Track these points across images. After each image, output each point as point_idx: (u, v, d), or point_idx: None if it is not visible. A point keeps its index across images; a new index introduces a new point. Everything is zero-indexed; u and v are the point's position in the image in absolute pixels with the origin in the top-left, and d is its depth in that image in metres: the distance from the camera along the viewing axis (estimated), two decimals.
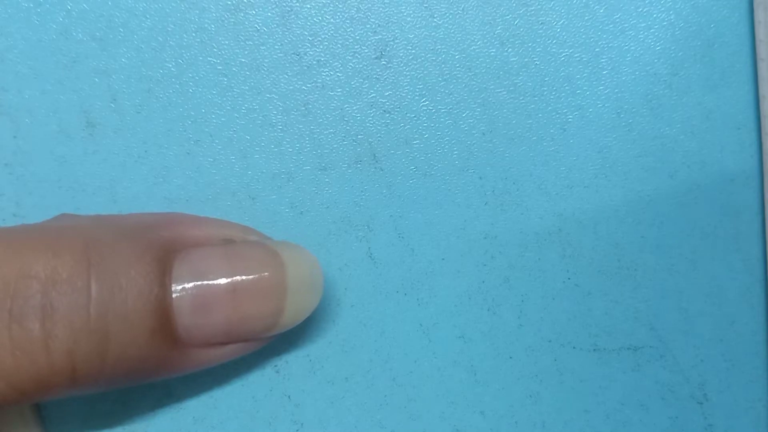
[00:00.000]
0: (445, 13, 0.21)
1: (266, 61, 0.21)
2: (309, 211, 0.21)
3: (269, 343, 0.20)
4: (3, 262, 0.15)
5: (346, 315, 0.21)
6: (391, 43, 0.21)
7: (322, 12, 0.21)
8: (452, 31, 0.21)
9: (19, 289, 0.15)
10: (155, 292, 0.16)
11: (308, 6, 0.21)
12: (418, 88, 0.21)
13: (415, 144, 0.21)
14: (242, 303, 0.17)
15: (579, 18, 0.21)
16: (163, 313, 0.16)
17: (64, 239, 0.16)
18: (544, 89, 0.21)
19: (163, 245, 0.17)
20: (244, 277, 0.17)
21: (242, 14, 0.21)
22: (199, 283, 0.17)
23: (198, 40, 0.20)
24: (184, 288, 0.17)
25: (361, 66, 0.21)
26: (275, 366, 0.20)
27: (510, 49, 0.21)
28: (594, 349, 0.21)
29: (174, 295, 0.16)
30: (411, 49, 0.21)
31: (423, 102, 0.21)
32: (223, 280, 0.17)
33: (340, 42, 0.21)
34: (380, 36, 0.21)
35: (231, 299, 0.17)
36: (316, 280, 0.18)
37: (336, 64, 0.21)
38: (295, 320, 0.18)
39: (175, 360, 0.17)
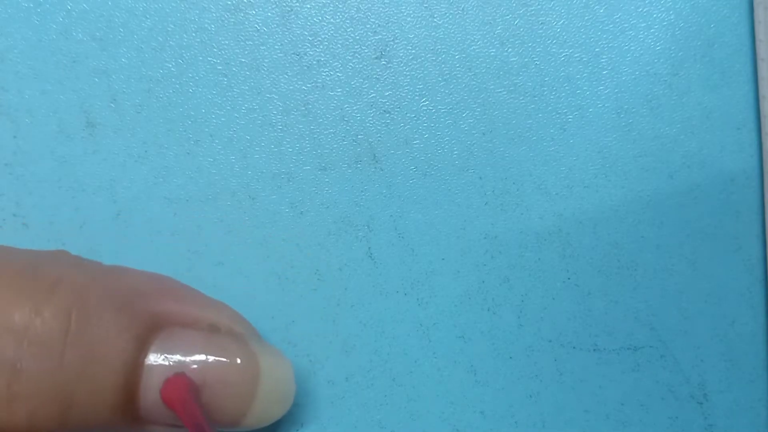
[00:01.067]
0: (445, 13, 0.21)
1: (266, 61, 0.21)
2: (309, 211, 0.21)
3: (268, 336, 0.20)
4: None
5: (346, 315, 0.21)
6: (391, 43, 0.21)
7: (322, 12, 0.21)
8: (452, 31, 0.21)
9: None
10: (126, 371, 0.16)
11: (308, 6, 0.21)
12: (418, 88, 0.21)
13: (415, 144, 0.21)
14: (208, 396, 0.17)
15: (579, 18, 0.21)
16: (130, 391, 0.16)
17: (52, 296, 0.16)
18: (544, 89, 0.21)
19: (147, 321, 0.17)
20: (215, 373, 0.17)
21: (242, 14, 0.21)
22: (171, 367, 0.17)
23: (198, 40, 0.20)
24: (155, 370, 0.17)
25: (361, 66, 0.21)
26: None
27: (510, 49, 0.21)
28: (594, 349, 0.21)
29: (144, 376, 0.16)
30: (411, 49, 0.21)
31: (423, 102, 0.21)
32: (195, 371, 0.17)
33: (340, 42, 0.21)
34: (380, 36, 0.21)
35: (199, 390, 0.17)
36: (287, 393, 0.18)
37: (336, 64, 0.21)
38: (257, 425, 0.18)
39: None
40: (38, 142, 0.20)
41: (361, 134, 0.21)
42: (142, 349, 0.16)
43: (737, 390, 0.21)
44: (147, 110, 0.20)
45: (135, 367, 0.16)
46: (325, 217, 0.21)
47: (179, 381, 0.16)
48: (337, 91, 0.21)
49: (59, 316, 0.15)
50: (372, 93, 0.21)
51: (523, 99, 0.21)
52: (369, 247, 0.21)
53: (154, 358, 0.17)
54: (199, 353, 0.17)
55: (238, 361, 0.17)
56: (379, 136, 0.21)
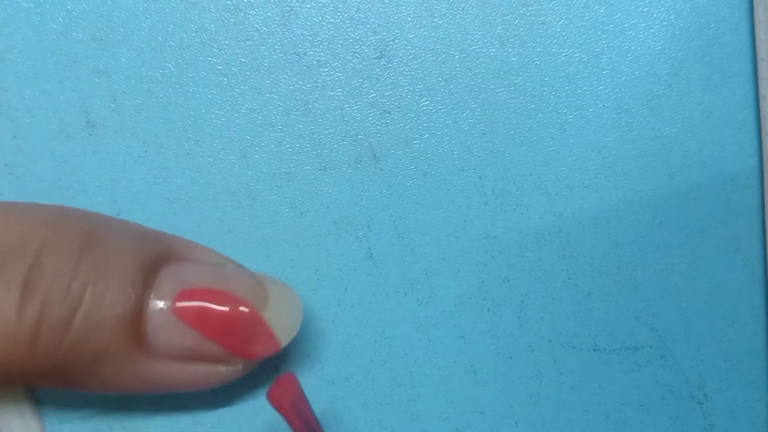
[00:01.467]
0: (445, 13, 0.21)
1: (266, 61, 0.21)
2: (309, 211, 0.21)
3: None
4: (10, 227, 0.16)
5: (346, 315, 0.21)
6: (391, 43, 0.21)
7: (322, 12, 0.21)
8: (452, 31, 0.21)
9: (15, 248, 0.16)
10: (136, 290, 0.17)
11: (308, 6, 0.21)
12: (418, 88, 0.21)
13: (415, 144, 0.21)
14: (216, 326, 0.17)
15: (579, 18, 0.21)
16: (136, 311, 0.17)
17: (69, 217, 0.17)
18: (544, 89, 0.21)
19: (158, 251, 0.18)
20: (224, 300, 0.17)
21: (242, 14, 0.21)
22: (179, 297, 0.17)
23: (198, 40, 0.20)
24: (163, 294, 0.17)
25: (361, 66, 0.21)
26: (275, 366, 0.20)
27: (510, 49, 0.21)
28: (594, 349, 0.21)
29: (151, 300, 0.17)
30: (411, 49, 0.21)
31: (423, 102, 0.21)
32: (203, 302, 0.17)
33: (340, 42, 0.21)
34: (380, 36, 0.21)
35: (205, 318, 0.17)
36: (294, 321, 0.18)
37: (336, 64, 0.21)
38: (264, 354, 0.18)
39: (137, 365, 0.17)
40: (38, 142, 0.20)
41: (361, 134, 0.21)
42: (153, 270, 0.17)
43: (737, 390, 0.21)
44: (147, 110, 0.20)
45: (144, 289, 0.17)
46: (325, 217, 0.21)
47: (288, 381, 0.17)
48: (337, 91, 0.21)
49: (78, 232, 0.17)
50: (372, 93, 0.21)
51: (523, 99, 0.21)
52: (369, 247, 0.21)
53: (161, 284, 0.17)
54: (205, 282, 0.17)
55: (246, 289, 0.18)
56: (379, 136, 0.21)
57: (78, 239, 0.16)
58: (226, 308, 0.17)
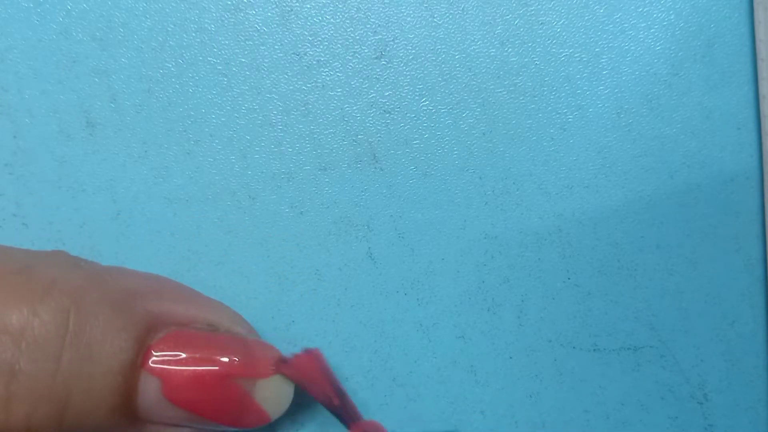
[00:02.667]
0: (445, 13, 0.21)
1: (266, 61, 0.21)
2: (309, 211, 0.21)
3: (268, 336, 0.20)
4: None
5: (346, 315, 0.21)
6: (391, 43, 0.21)
7: (322, 12, 0.21)
8: (452, 31, 0.21)
9: None
10: (124, 373, 0.16)
11: (308, 6, 0.21)
12: (418, 88, 0.21)
13: (415, 144, 0.21)
14: (207, 398, 0.17)
15: (579, 18, 0.21)
16: (128, 393, 0.16)
17: (49, 296, 0.16)
18: (544, 89, 0.21)
19: (145, 322, 0.17)
20: (216, 373, 0.17)
21: (242, 14, 0.21)
22: (170, 368, 0.17)
23: (198, 40, 0.20)
24: (154, 370, 0.17)
25: (361, 66, 0.21)
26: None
27: (510, 49, 0.21)
28: (594, 349, 0.21)
29: (143, 377, 0.17)
30: (411, 49, 0.21)
31: (423, 102, 0.21)
32: (195, 370, 0.17)
33: (340, 42, 0.21)
34: (380, 36, 0.21)
35: (196, 391, 0.17)
36: (286, 394, 0.18)
37: (336, 64, 0.21)
38: (260, 424, 0.18)
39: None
40: (38, 142, 0.20)
41: (361, 134, 0.21)
42: (140, 350, 0.17)
43: (737, 390, 0.21)
44: (147, 110, 0.20)
45: (133, 368, 0.16)
46: (325, 217, 0.21)
47: (309, 355, 0.17)
48: (337, 91, 0.21)
49: (56, 317, 0.15)
50: (372, 93, 0.21)
51: (523, 99, 0.21)
52: (369, 247, 0.21)
53: (152, 359, 0.17)
54: (197, 354, 0.17)
55: (236, 360, 0.17)
56: (379, 136, 0.21)
57: (59, 324, 0.15)
58: (215, 391, 0.17)
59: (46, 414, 0.15)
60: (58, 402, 0.15)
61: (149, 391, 0.17)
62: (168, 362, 0.17)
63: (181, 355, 0.17)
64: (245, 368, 0.17)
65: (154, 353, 0.17)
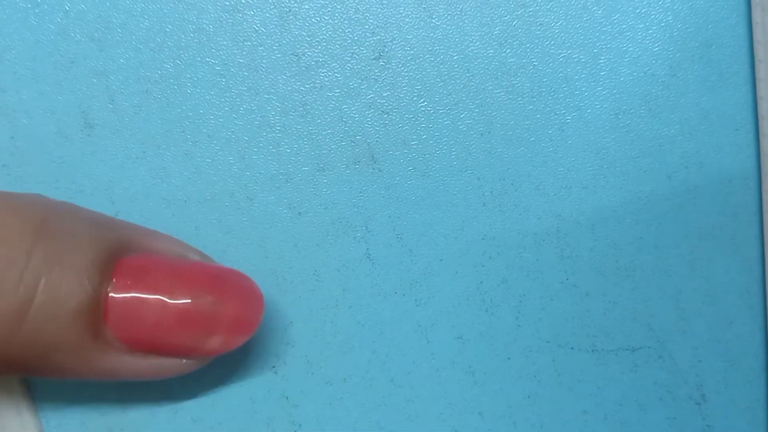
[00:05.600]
0: (444, 14, 0.21)
1: (264, 61, 0.21)
2: (307, 211, 0.21)
3: (266, 344, 0.20)
4: None
5: (345, 315, 0.21)
6: (390, 43, 0.21)
7: (321, 13, 0.21)
8: (450, 32, 0.21)
9: None
10: (92, 280, 0.16)
11: (306, 7, 0.21)
12: (417, 89, 0.21)
13: (414, 145, 0.21)
14: (174, 317, 0.17)
15: (577, 19, 0.21)
16: (94, 302, 0.16)
17: (24, 205, 0.16)
18: (542, 90, 0.21)
19: (117, 240, 0.17)
20: (183, 293, 0.17)
21: (240, 15, 0.21)
22: (137, 287, 0.17)
23: (196, 40, 0.20)
24: (122, 287, 0.17)
25: (359, 67, 0.21)
26: (273, 367, 0.20)
27: (508, 50, 0.21)
28: (592, 350, 0.21)
29: (110, 291, 0.17)
30: (409, 50, 0.21)
31: (421, 103, 0.21)
32: (162, 292, 0.17)
33: (339, 43, 0.21)
34: (379, 37, 0.21)
35: (164, 311, 0.17)
36: (254, 316, 0.18)
37: (334, 64, 0.21)
38: (225, 349, 0.18)
39: (94, 354, 0.17)
40: (36, 143, 0.20)
41: (360, 135, 0.21)
42: (109, 261, 0.17)
43: (735, 390, 0.21)
44: (145, 111, 0.20)
45: (101, 279, 0.16)
46: (324, 217, 0.21)
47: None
48: (336, 92, 0.21)
49: (32, 221, 0.16)
50: (370, 94, 0.21)
51: (521, 100, 0.21)
52: (367, 248, 0.21)
53: (118, 277, 0.17)
54: (164, 276, 0.17)
55: (203, 284, 0.17)
56: (378, 137, 0.21)
57: (30, 228, 0.16)
58: (183, 302, 0.17)
59: (10, 306, 0.15)
60: (23, 295, 0.15)
61: (114, 305, 0.17)
62: (136, 281, 0.17)
63: (149, 275, 0.17)
64: (214, 287, 0.17)
65: (124, 268, 0.17)
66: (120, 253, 0.17)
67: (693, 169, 0.21)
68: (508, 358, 0.21)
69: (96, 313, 0.16)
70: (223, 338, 0.18)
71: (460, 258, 0.21)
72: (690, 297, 0.21)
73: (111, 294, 0.17)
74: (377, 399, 0.20)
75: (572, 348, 0.21)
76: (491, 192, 0.21)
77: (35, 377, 0.19)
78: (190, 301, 0.17)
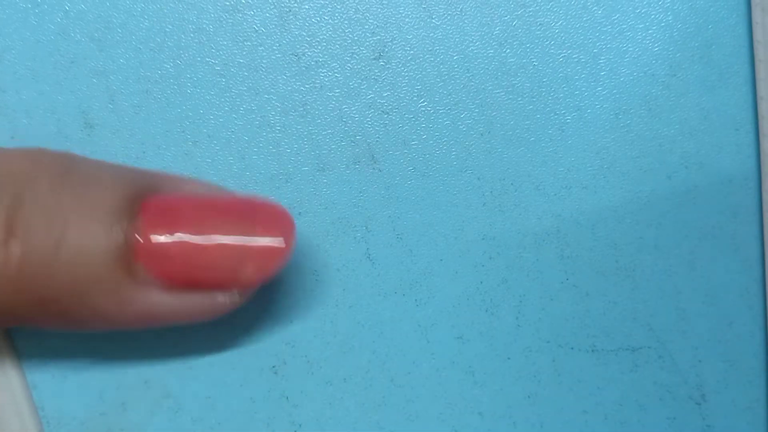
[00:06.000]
0: (444, 14, 0.21)
1: (264, 61, 0.21)
2: (307, 211, 0.21)
3: (266, 344, 0.20)
4: None
5: (344, 315, 0.21)
6: (390, 43, 0.21)
7: (321, 13, 0.21)
8: (450, 32, 0.21)
9: None
10: (121, 213, 0.16)
11: (306, 7, 0.21)
12: (417, 89, 0.21)
13: (414, 145, 0.21)
14: (207, 248, 0.17)
15: (577, 19, 0.21)
16: (126, 239, 0.16)
17: (49, 152, 0.17)
18: (542, 90, 0.21)
19: (145, 179, 0.18)
20: (215, 223, 0.17)
21: (240, 15, 0.21)
22: (169, 222, 0.17)
23: (196, 40, 0.20)
24: (152, 222, 0.17)
25: (359, 67, 0.21)
26: (273, 367, 0.20)
27: (508, 50, 0.21)
28: (592, 350, 0.21)
29: (140, 226, 0.17)
30: (409, 50, 0.21)
31: (421, 103, 0.21)
32: (189, 225, 0.17)
33: (339, 43, 0.21)
34: (379, 37, 0.21)
35: (196, 243, 0.17)
36: (289, 236, 0.18)
37: (334, 64, 0.21)
38: (260, 276, 0.17)
39: (130, 296, 0.17)
40: (36, 143, 0.20)
41: (360, 135, 0.21)
42: (137, 196, 0.17)
43: (735, 391, 0.21)
44: (145, 111, 0.20)
45: (131, 215, 0.17)
46: (324, 217, 0.21)
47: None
48: (336, 92, 0.21)
49: (58, 165, 0.16)
50: (370, 94, 0.21)
51: (521, 100, 0.21)
52: (367, 248, 0.21)
53: (150, 212, 0.17)
54: (195, 208, 0.17)
55: (234, 215, 0.17)
56: (378, 137, 0.21)
57: (58, 172, 0.16)
58: (213, 233, 0.17)
59: (43, 245, 0.16)
60: (55, 235, 0.16)
61: (146, 243, 0.17)
62: (166, 215, 0.17)
63: (179, 209, 0.17)
64: (246, 209, 0.17)
65: (154, 202, 0.17)
66: (146, 193, 0.17)
67: (693, 169, 0.21)
68: (508, 358, 0.21)
69: (127, 253, 0.16)
70: (258, 265, 0.17)
71: (460, 258, 0.21)
72: (690, 297, 0.21)
73: (140, 231, 0.17)
74: (377, 399, 0.20)
75: (572, 348, 0.21)
76: (491, 192, 0.21)
77: (39, 380, 0.19)
78: (219, 231, 0.17)
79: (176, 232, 0.17)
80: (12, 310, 0.16)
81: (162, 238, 0.17)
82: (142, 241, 0.17)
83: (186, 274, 0.17)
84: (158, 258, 0.17)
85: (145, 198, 0.17)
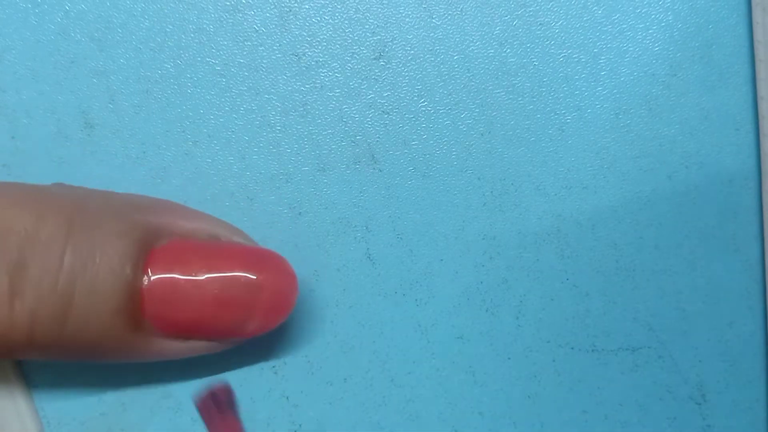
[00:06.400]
0: (444, 14, 0.21)
1: (265, 61, 0.21)
2: (307, 212, 0.21)
3: (266, 344, 0.20)
4: None
5: (345, 316, 0.21)
6: (390, 43, 0.21)
7: (321, 13, 0.21)
8: (451, 31, 0.21)
9: None
10: (127, 274, 0.16)
11: (307, 6, 0.21)
12: (417, 89, 0.21)
13: (414, 145, 0.21)
14: (212, 303, 0.17)
15: (577, 19, 0.21)
16: (132, 296, 0.16)
17: (52, 203, 0.16)
18: (542, 90, 0.21)
19: (148, 229, 0.17)
20: (219, 277, 0.17)
21: (241, 15, 0.21)
22: (174, 275, 0.17)
23: (196, 40, 0.20)
24: (158, 277, 0.17)
25: (359, 67, 0.21)
26: (273, 367, 0.20)
27: (508, 50, 0.21)
28: (592, 350, 0.21)
29: (146, 282, 0.17)
30: (410, 50, 0.21)
31: (422, 103, 0.21)
32: (198, 277, 0.17)
33: (339, 43, 0.21)
34: (379, 37, 0.21)
35: (202, 297, 0.17)
36: (288, 302, 0.18)
37: (335, 64, 0.21)
38: (262, 330, 0.18)
39: (136, 344, 0.17)
40: (36, 142, 0.20)
41: (360, 135, 0.21)
42: (142, 256, 0.17)
43: (735, 390, 0.21)
44: (145, 111, 0.20)
45: (136, 271, 0.17)
46: (324, 217, 0.21)
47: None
48: (336, 92, 0.21)
49: (61, 220, 0.16)
50: (371, 94, 0.21)
51: (521, 100, 0.21)
52: (367, 248, 0.21)
53: (155, 265, 0.17)
54: (201, 261, 0.17)
55: (241, 265, 0.17)
56: (378, 137, 0.21)
57: (62, 227, 0.16)
58: (218, 291, 0.17)
59: (51, 311, 0.16)
60: (62, 299, 0.16)
61: (154, 297, 0.17)
62: (172, 269, 0.17)
63: (184, 262, 0.17)
64: (249, 271, 0.17)
65: (158, 259, 0.17)
66: (153, 241, 0.17)
67: (693, 169, 0.21)
68: (509, 358, 0.21)
69: (134, 308, 0.17)
70: (260, 321, 0.18)
71: (461, 258, 0.21)
72: (690, 297, 0.21)
73: (146, 286, 0.17)
74: (377, 399, 0.20)
75: (572, 348, 0.21)
76: (491, 192, 0.21)
77: (35, 386, 0.19)
78: (224, 289, 0.17)
79: (182, 285, 0.17)
80: (24, 356, 0.17)
81: (167, 292, 0.17)
82: (147, 295, 0.17)
83: (191, 328, 0.17)
84: (164, 311, 0.17)
85: (150, 249, 0.17)
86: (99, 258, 0.16)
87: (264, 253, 0.18)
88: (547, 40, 0.21)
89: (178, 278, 0.17)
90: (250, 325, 0.18)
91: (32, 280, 0.15)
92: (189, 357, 0.18)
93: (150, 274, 0.17)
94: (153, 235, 0.17)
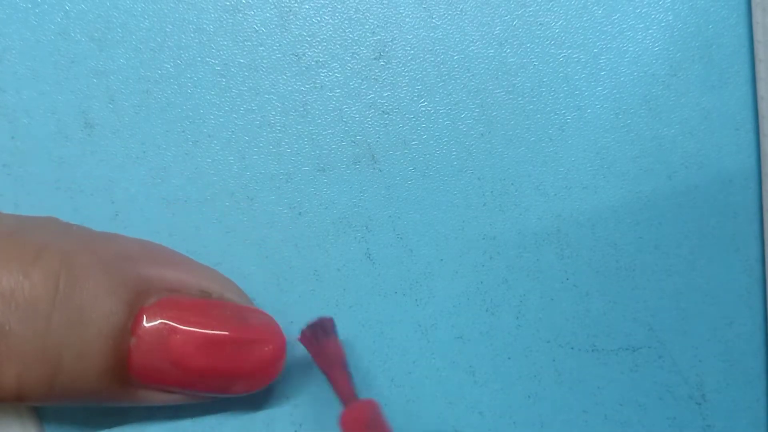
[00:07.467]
0: (444, 14, 0.21)
1: (265, 61, 0.21)
2: (307, 211, 0.21)
3: None
4: None
5: (345, 315, 0.21)
6: (390, 43, 0.21)
7: (321, 13, 0.21)
8: (451, 31, 0.21)
9: None
10: (115, 335, 0.16)
11: (307, 7, 0.21)
12: (417, 89, 0.21)
13: (414, 145, 0.21)
14: (200, 363, 0.17)
15: (577, 19, 0.21)
16: (119, 356, 0.16)
17: (40, 259, 0.16)
18: (542, 90, 0.21)
19: (137, 285, 0.17)
20: (208, 338, 0.17)
21: (241, 15, 0.21)
22: (163, 333, 0.17)
23: (196, 40, 0.20)
24: (146, 334, 0.17)
25: (359, 67, 0.21)
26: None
27: (508, 50, 0.21)
28: (592, 350, 0.21)
29: (134, 340, 0.17)
30: (410, 50, 0.21)
31: (421, 103, 0.21)
32: (187, 336, 0.17)
33: (339, 43, 0.21)
34: (379, 37, 0.21)
35: (190, 357, 0.17)
36: (277, 361, 0.18)
37: (335, 64, 0.21)
38: (248, 391, 0.18)
39: (123, 396, 0.17)
40: (36, 142, 0.20)
41: (360, 135, 0.21)
42: (130, 314, 0.16)
43: (735, 390, 0.21)
44: (145, 111, 0.20)
45: (124, 331, 0.16)
46: (324, 217, 0.21)
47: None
48: (336, 92, 0.21)
49: (47, 279, 0.15)
50: (371, 94, 0.21)
51: (521, 100, 0.21)
52: (368, 248, 0.21)
53: (144, 323, 0.17)
54: (190, 320, 0.17)
55: (229, 327, 0.17)
56: (378, 137, 0.21)
57: (49, 288, 0.15)
58: (206, 353, 0.17)
59: (37, 375, 0.15)
60: (48, 363, 0.15)
61: (141, 353, 0.17)
62: (160, 329, 0.17)
63: (172, 322, 0.17)
64: (239, 334, 0.17)
65: (146, 319, 0.17)
66: (142, 299, 0.17)
67: (693, 168, 0.21)
68: (509, 358, 0.21)
69: (122, 366, 0.16)
70: (246, 383, 0.18)
71: (461, 258, 0.21)
72: (690, 297, 0.21)
73: (134, 344, 0.17)
74: (378, 398, 0.20)
75: (572, 348, 0.21)
76: (491, 192, 0.21)
77: None
78: (212, 351, 0.17)
79: (170, 351, 0.17)
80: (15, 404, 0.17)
81: (155, 354, 0.17)
82: (134, 355, 0.17)
83: (177, 385, 0.17)
84: (152, 374, 0.17)
85: (138, 310, 0.17)
86: (87, 320, 0.16)
87: (254, 315, 0.18)
88: (547, 40, 0.21)
89: (166, 338, 0.17)
90: (236, 387, 0.18)
91: (17, 345, 0.15)
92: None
93: (138, 332, 0.17)
94: (142, 292, 0.17)
